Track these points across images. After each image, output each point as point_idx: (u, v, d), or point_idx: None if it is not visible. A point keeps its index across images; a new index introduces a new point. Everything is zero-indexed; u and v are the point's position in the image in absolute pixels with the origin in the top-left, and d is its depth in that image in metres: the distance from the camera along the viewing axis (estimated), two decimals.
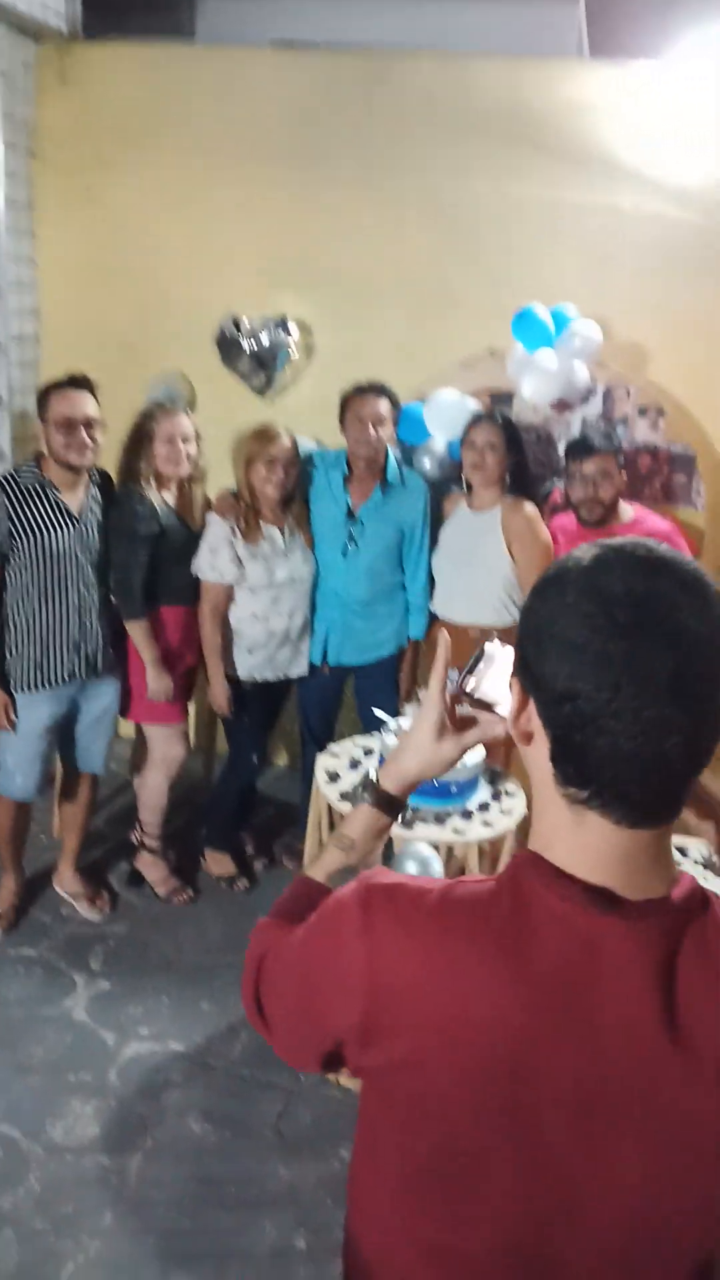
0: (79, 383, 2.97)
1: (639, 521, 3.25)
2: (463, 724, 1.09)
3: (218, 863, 3.71)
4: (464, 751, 1.09)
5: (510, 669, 0.98)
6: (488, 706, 1.06)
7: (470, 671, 1.06)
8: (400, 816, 1.11)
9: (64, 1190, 2.42)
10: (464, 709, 1.09)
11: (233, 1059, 2.90)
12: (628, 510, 3.29)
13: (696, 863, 2.53)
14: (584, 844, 0.84)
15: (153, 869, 3.60)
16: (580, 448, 3.23)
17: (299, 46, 3.81)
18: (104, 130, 4.00)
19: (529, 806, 0.90)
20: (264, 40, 3.91)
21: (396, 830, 2.58)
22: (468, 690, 1.06)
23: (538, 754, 0.87)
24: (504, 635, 3.27)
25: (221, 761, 3.98)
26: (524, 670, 0.87)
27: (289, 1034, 1.02)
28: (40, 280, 4.17)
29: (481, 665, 1.06)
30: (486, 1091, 0.84)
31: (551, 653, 0.81)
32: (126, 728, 3.64)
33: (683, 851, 2.56)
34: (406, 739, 1.12)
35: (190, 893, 3.59)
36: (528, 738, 0.88)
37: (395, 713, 3.51)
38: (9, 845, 3.33)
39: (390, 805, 1.12)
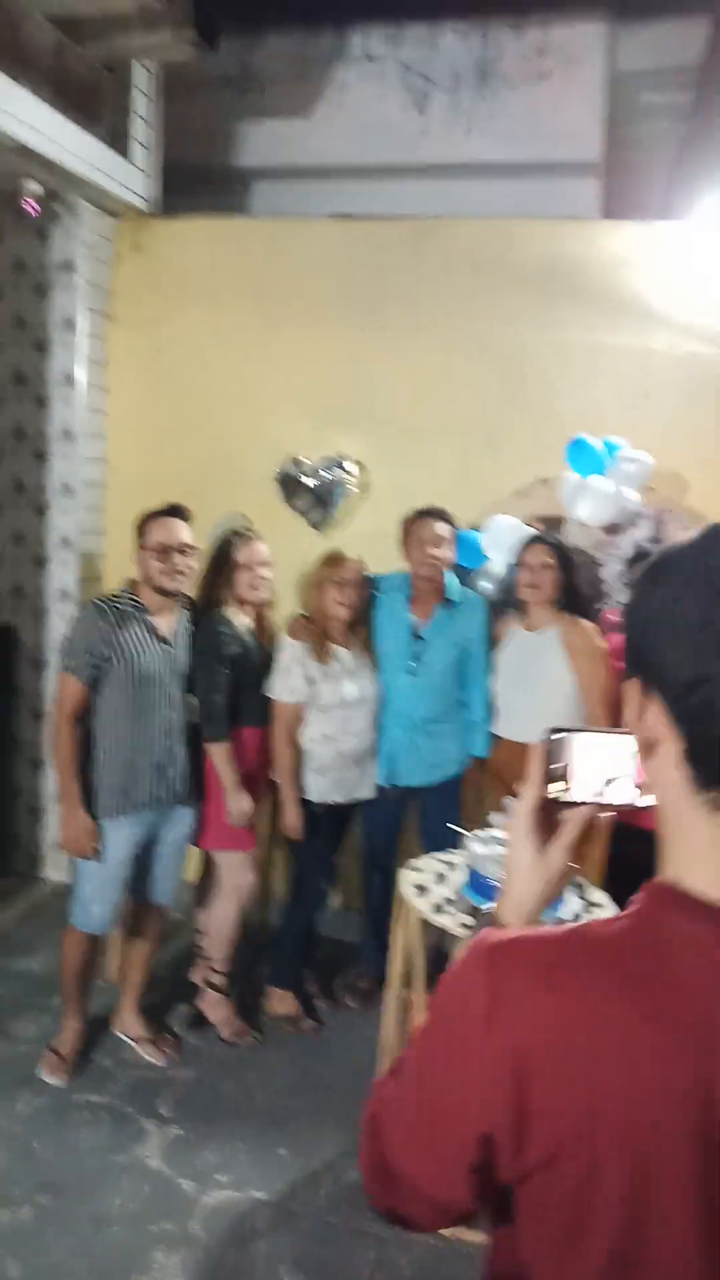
0: (176, 511, 3.08)
1: None
2: (553, 825, 0.97)
3: (282, 1001, 3.56)
4: (569, 852, 0.97)
5: (584, 751, 0.92)
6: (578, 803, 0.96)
7: (552, 778, 0.95)
8: None
9: None
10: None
11: (318, 1206, 2.71)
12: None
13: None
14: None
15: (217, 1009, 3.44)
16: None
17: (355, 218, 4.15)
18: (172, 293, 4.30)
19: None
20: (315, 214, 4.27)
21: None
22: (553, 797, 0.95)
23: (665, 763, 0.79)
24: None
25: (277, 898, 3.88)
26: (640, 666, 0.80)
27: (424, 1163, 0.86)
28: (109, 429, 4.39)
29: (556, 766, 0.95)
30: (664, 1157, 0.74)
31: (670, 641, 0.76)
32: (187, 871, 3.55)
33: None
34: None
35: (256, 1035, 3.43)
36: (651, 747, 0.81)
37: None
38: (76, 984, 3.18)
39: None
